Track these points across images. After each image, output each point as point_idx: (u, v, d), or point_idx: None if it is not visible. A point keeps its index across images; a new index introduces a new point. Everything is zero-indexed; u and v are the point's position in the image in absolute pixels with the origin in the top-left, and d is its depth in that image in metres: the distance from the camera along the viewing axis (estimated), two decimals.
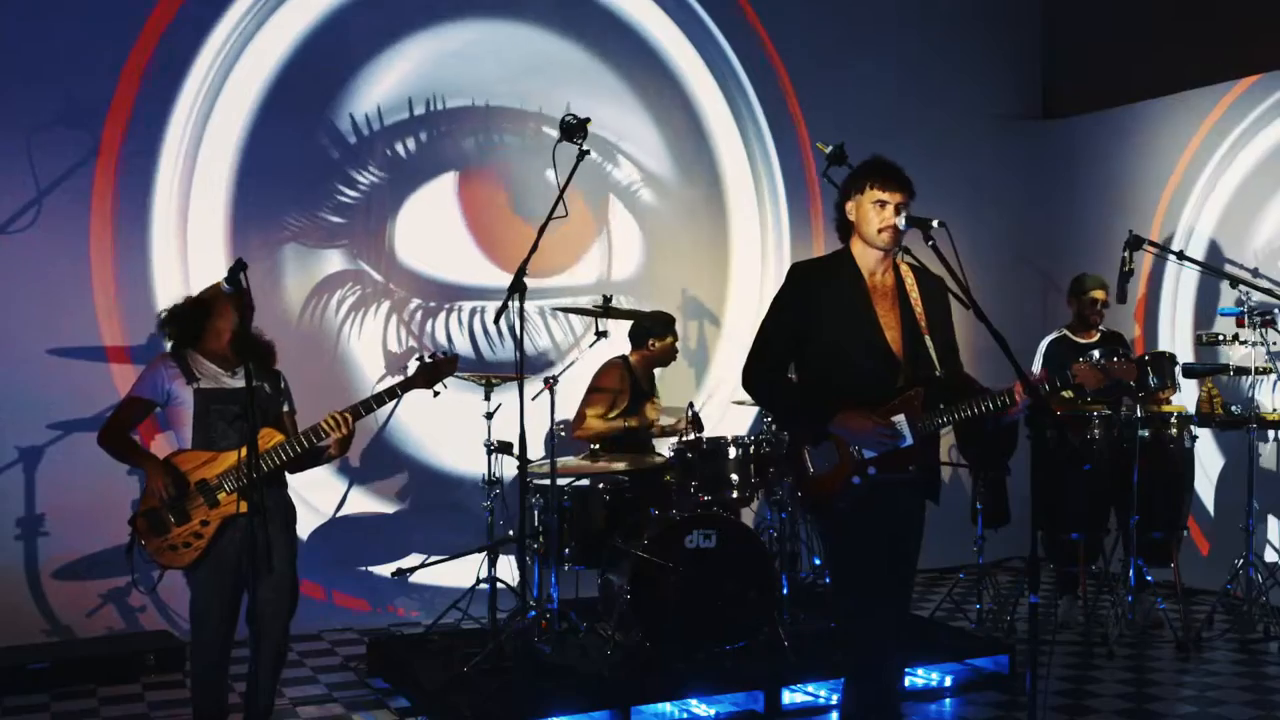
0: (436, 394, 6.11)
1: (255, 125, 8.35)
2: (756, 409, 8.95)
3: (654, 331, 8.11)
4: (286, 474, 5.80)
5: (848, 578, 4.88)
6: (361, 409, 5.70)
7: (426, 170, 8.86)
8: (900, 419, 4.78)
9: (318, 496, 8.43)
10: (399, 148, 8.76)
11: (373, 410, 5.74)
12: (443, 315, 8.87)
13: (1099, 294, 8.49)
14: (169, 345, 5.76)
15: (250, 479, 5.10)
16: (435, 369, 5.98)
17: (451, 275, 8.91)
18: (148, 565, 5.59)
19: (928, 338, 4.86)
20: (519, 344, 6.69)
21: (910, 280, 4.97)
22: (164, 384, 5.58)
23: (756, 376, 4.98)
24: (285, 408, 5.87)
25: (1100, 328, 8.55)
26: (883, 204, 4.82)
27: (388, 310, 8.73)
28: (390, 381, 8.14)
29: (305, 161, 8.53)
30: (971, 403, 4.80)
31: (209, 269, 7.99)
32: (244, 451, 5.31)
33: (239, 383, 5.56)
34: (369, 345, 8.69)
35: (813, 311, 4.85)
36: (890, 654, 4.90)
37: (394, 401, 5.83)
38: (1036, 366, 8.32)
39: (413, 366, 6.02)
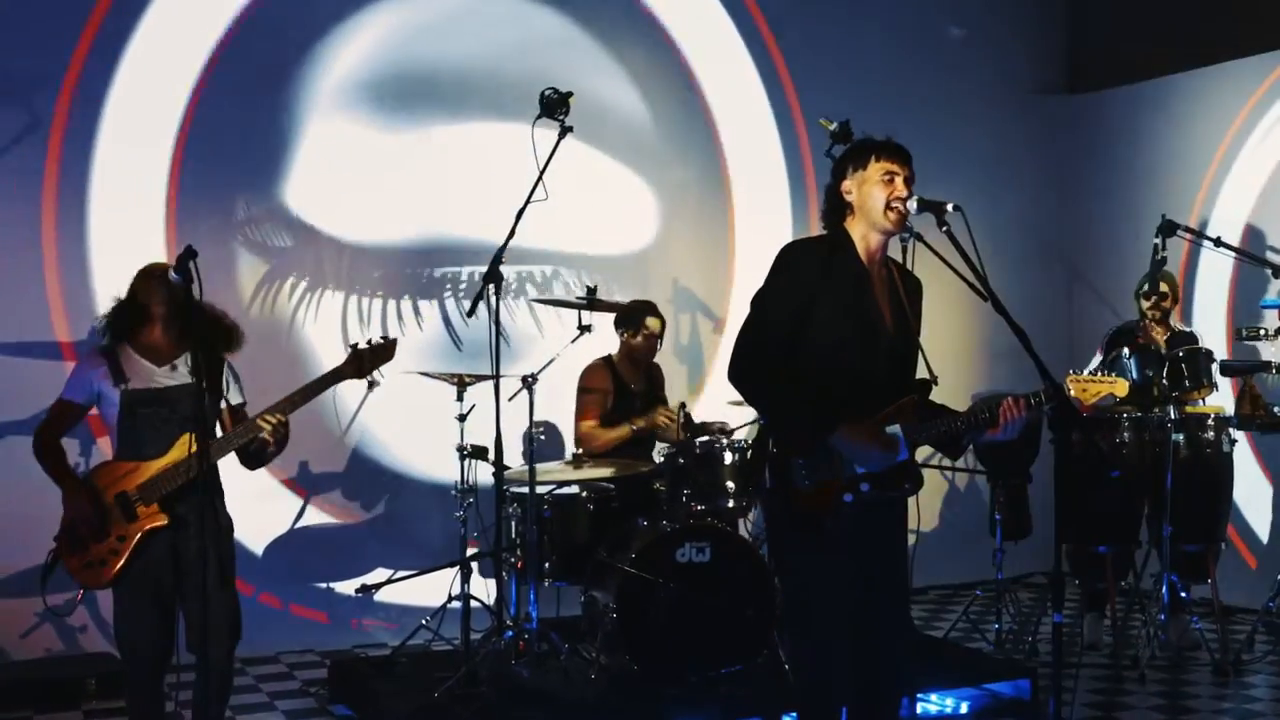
0: (373, 385, 6.06)
1: (205, 99, 8.34)
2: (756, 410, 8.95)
3: (621, 323, 8.13)
4: (239, 475, 5.78)
5: (813, 613, 4.83)
6: (287, 405, 5.64)
7: (390, 149, 8.87)
8: (896, 429, 4.75)
9: (275, 506, 8.42)
10: (360, 125, 8.76)
11: (301, 404, 5.68)
12: (407, 300, 8.87)
13: (1156, 288, 8.45)
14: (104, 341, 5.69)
15: (201, 484, 5.10)
16: (368, 356, 5.87)
17: (416, 242, 8.95)
18: (73, 586, 5.58)
19: (917, 337, 4.86)
20: (495, 341, 6.68)
21: (896, 275, 4.95)
22: (92, 384, 5.53)
23: (748, 370, 4.86)
24: (236, 399, 5.84)
25: (1175, 326, 8.52)
26: (891, 176, 4.78)
27: (345, 300, 8.73)
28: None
29: (257, 138, 8.53)
30: (956, 417, 4.78)
31: (155, 258, 7.97)
32: (176, 456, 5.31)
33: (173, 380, 5.53)
34: (325, 332, 8.69)
35: (811, 297, 4.77)
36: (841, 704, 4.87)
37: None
38: (1095, 363, 8.34)
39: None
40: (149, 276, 5.62)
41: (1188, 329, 8.68)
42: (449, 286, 8.99)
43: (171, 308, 5.56)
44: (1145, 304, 8.43)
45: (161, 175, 8.27)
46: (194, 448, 5.35)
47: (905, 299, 4.90)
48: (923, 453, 5.02)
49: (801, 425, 4.82)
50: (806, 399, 4.77)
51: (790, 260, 4.88)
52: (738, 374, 4.89)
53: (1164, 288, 8.44)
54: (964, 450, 5.03)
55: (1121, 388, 4.85)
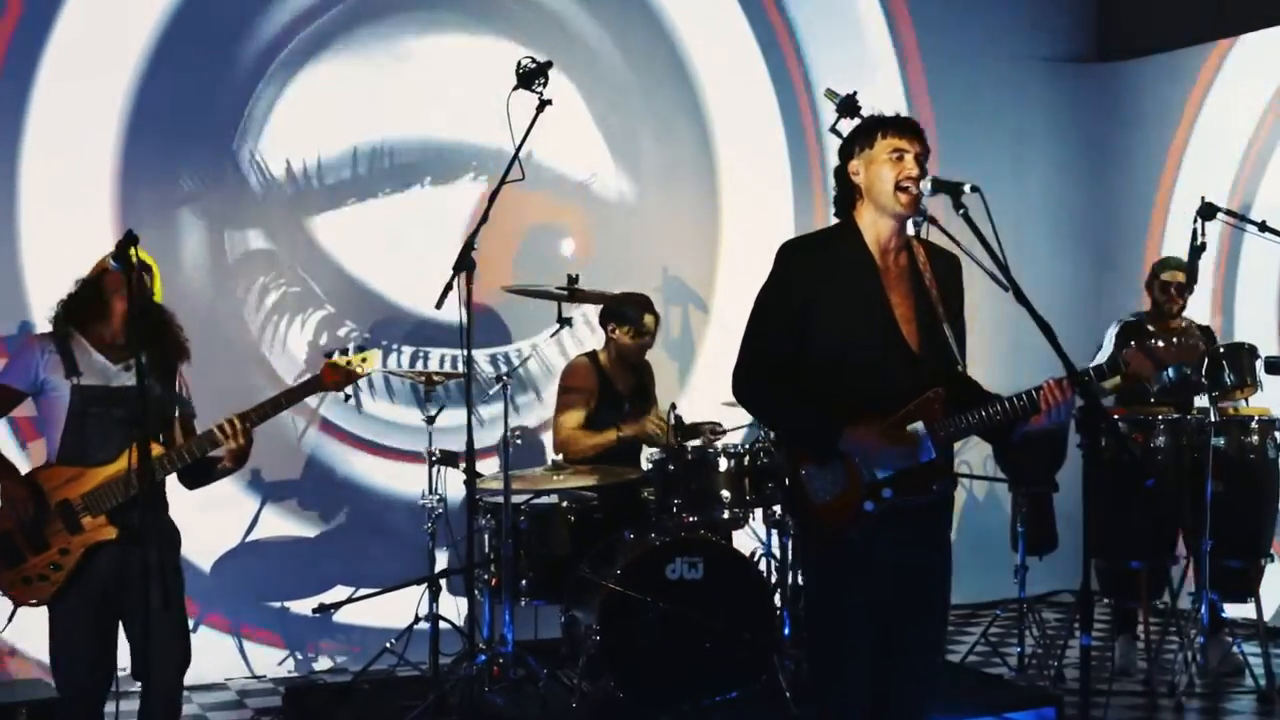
0: (348, 398, 6.07)
1: (152, 60, 8.30)
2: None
3: (612, 316, 8.12)
4: (181, 488, 5.78)
5: (834, 630, 4.84)
6: (255, 415, 5.65)
7: (361, 121, 8.85)
8: (919, 427, 4.73)
9: (224, 518, 8.37)
10: (327, 93, 8.76)
11: (270, 416, 5.70)
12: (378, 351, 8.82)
13: (1174, 276, 8.44)
14: (51, 325, 5.68)
15: (142, 495, 5.09)
16: (345, 367, 5.92)
17: (393, 293, 8.91)
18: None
19: (946, 327, 4.82)
20: (467, 337, 6.68)
21: (923, 258, 4.91)
22: (39, 370, 5.53)
23: (749, 384, 4.91)
24: (188, 410, 5.84)
25: (1185, 319, 8.52)
26: (900, 154, 4.75)
27: (316, 321, 8.70)
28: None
29: (213, 114, 8.49)
30: (990, 405, 4.75)
31: (94, 242, 7.91)
32: (126, 463, 5.28)
33: (127, 380, 5.52)
34: (290, 342, 8.66)
35: (812, 299, 4.77)
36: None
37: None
38: (1103, 358, 8.32)
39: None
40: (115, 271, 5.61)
41: (1204, 324, 8.67)
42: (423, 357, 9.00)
43: (132, 306, 5.55)
44: (1164, 292, 8.41)
45: (106, 157, 8.23)
46: (135, 456, 5.32)
47: (935, 285, 4.87)
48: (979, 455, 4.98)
49: (807, 434, 4.86)
50: (811, 406, 4.79)
51: (784, 260, 4.90)
52: (738, 389, 4.95)
53: (1175, 277, 8.42)
54: (1018, 440, 4.97)
55: (1192, 351, 4.82)
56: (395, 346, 8.88)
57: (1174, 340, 4.76)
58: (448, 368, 8.68)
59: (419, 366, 8.84)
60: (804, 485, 4.83)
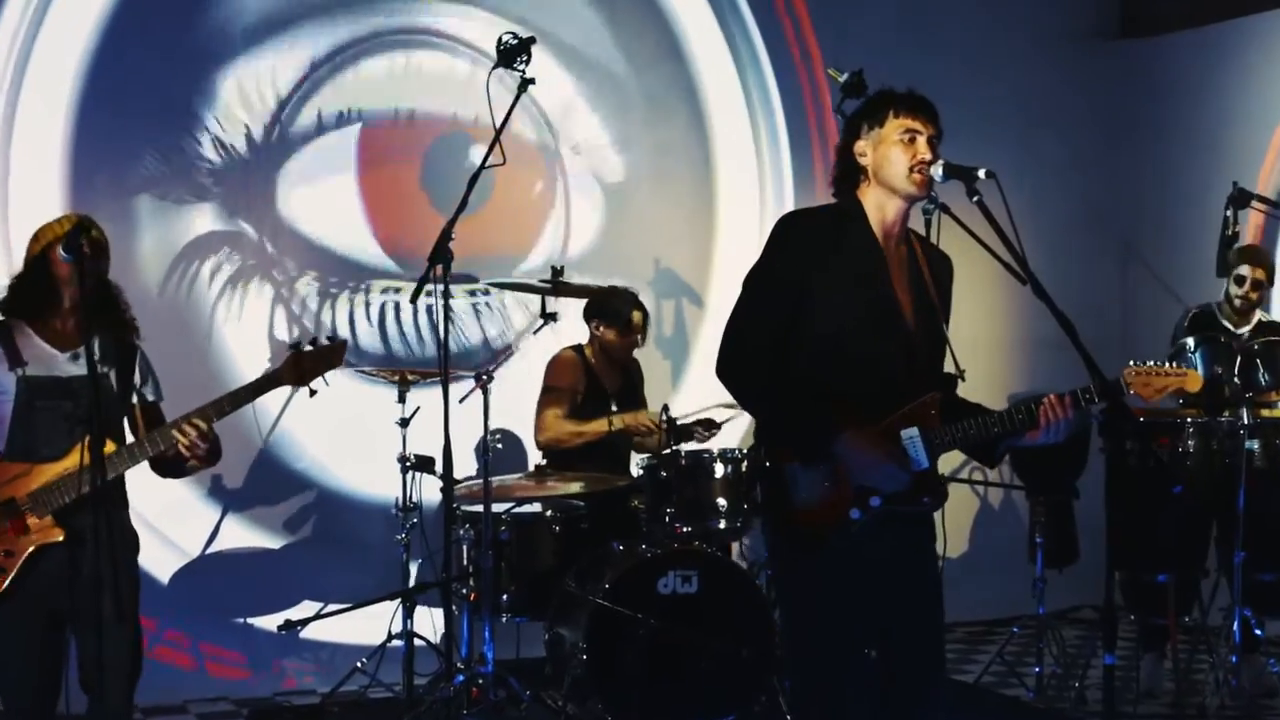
0: (314, 393, 5.99)
1: (105, 34, 8.29)
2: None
3: (596, 313, 8.10)
4: (142, 489, 5.74)
5: (819, 654, 4.80)
6: (213, 410, 5.59)
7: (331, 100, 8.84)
8: (913, 433, 4.70)
9: (183, 528, 8.37)
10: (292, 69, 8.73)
11: (226, 412, 5.63)
12: (344, 297, 8.80)
13: (1252, 270, 8.39)
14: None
15: (94, 494, 5.05)
16: (311, 360, 5.79)
17: (357, 250, 8.89)
18: None
19: (946, 327, 4.81)
20: (443, 329, 6.66)
21: (920, 252, 4.90)
22: None
23: (737, 366, 4.81)
24: (151, 396, 5.78)
25: (1259, 317, 8.46)
26: (913, 135, 4.72)
27: (274, 289, 8.67)
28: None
29: (170, 87, 8.48)
30: (988, 416, 4.72)
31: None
32: (77, 460, 5.25)
33: (77, 370, 5.48)
34: (250, 330, 8.65)
35: (811, 278, 4.71)
36: None
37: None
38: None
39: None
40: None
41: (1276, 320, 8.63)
42: (392, 300, 8.97)
43: (85, 299, 5.49)
44: (1236, 288, 8.36)
45: (57, 132, 8.22)
46: (87, 452, 5.28)
47: (930, 280, 4.85)
48: (952, 463, 4.98)
49: (797, 430, 4.78)
50: (804, 399, 4.73)
51: (786, 234, 4.82)
52: (724, 369, 4.84)
53: (1254, 272, 8.36)
54: (1000, 458, 4.97)
55: (1194, 380, 4.79)
56: (365, 286, 8.90)
57: (1170, 363, 4.76)
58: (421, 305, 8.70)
59: (390, 302, 8.86)
60: (785, 484, 4.77)
